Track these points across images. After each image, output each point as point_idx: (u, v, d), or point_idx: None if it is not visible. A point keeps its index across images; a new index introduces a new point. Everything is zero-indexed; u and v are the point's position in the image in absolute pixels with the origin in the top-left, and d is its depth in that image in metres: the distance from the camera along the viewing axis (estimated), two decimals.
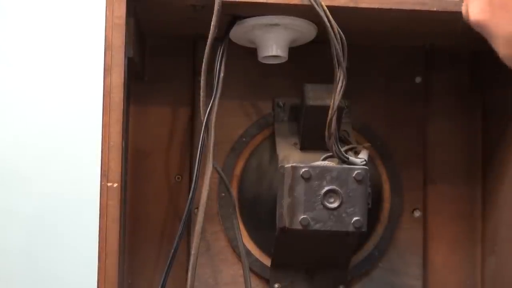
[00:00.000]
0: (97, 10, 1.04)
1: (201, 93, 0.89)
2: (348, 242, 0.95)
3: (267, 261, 1.04)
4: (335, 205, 0.87)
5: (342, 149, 0.91)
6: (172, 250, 0.86)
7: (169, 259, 0.86)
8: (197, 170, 0.89)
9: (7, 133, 1.28)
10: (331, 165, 0.89)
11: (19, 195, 1.27)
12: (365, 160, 0.92)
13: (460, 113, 1.13)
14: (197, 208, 0.91)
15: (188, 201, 0.88)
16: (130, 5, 0.85)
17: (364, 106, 1.09)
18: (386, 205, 1.09)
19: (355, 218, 0.87)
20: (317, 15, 0.87)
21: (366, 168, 0.89)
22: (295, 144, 0.99)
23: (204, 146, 0.91)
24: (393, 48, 1.10)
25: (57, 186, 1.28)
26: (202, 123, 0.90)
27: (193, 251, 0.87)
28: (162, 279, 0.86)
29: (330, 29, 0.87)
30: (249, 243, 1.05)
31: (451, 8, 0.89)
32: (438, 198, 1.12)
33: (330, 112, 0.88)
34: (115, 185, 0.83)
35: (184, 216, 0.87)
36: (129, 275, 1.05)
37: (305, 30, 0.95)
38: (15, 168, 1.28)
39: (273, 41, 0.95)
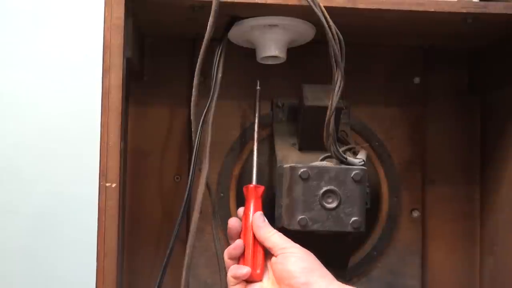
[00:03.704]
0: (96, 10, 1.04)
1: (193, 93, 0.89)
2: (346, 242, 0.95)
3: None
4: (333, 205, 0.87)
5: (341, 150, 0.91)
6: (168, 251, 0.86)
7: (165, 259, 0.86)
8: (192, 171, 0.89)
9: (7, 133, 1.28)
10: (329, 165, 0.89)
11: (19, 195, 1.28)
12: (364, 161, 0.92)
13: (459, 114, 1.13)
14: None
15: (184, 202, 0.88)
16: (128, 5, 0.86)
17: (363, 107, 1.09)
18: (385, 206, 1.09)
19: (353, 218, 0.87)
20: (315, 15, 0.87)
21: (364, 169, 0.88)
22: (293, 144, 0.99)
23: (201, 146, 0.90)
24: (392, 48, 1.10)
25: (56, 186, 1.28)
26: (198, 124, 0.90)
27: (187, 251, 0.87)
28: (158, 280, 0.86)
29: (328, 29, 0.87)
30: None
31: (448, 9, 0.89)
32: (437, 198, 1.12)
33: (328, 112, 0.88)
34: (114, 185, 0.83)
35: (179, 217, 0.87)
36: (128, 275, 1.05)
37: (303, 31, 0.95)
38: (15, 168, 1.28)
39: (272, 42, 0.95)
